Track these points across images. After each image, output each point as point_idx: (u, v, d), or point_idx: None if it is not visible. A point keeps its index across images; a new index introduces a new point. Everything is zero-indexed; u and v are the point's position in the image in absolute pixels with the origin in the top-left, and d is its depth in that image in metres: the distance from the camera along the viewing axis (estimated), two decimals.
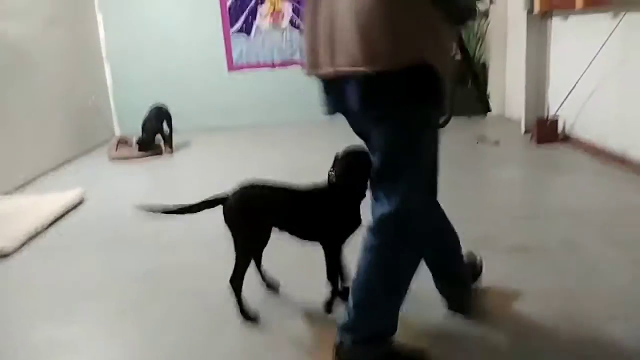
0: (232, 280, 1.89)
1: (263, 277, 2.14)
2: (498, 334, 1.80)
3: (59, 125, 4.80)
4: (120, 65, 5.80)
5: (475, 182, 3.51)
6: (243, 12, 5.73)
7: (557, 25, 4.31)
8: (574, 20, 4.04)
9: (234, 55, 5.83)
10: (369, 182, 1.64)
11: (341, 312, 1.68)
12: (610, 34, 3.40)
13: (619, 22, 3.34)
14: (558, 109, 4.15)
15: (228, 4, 5.70)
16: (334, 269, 1.95)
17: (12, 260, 2.72)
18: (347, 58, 1.42)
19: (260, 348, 1.81)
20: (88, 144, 5.24)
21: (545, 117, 4.31)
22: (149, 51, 5.73)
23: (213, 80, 5.83)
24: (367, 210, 1.65)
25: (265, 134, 5.53)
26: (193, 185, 3.81)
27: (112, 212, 3.36)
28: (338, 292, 1.98)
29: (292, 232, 1.94)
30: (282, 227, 1.92)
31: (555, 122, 4.21)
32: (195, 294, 2.21)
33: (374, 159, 1.57)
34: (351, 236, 1.88)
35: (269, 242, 1.91)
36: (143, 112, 4.87)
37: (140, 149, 4.80)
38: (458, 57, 1.65)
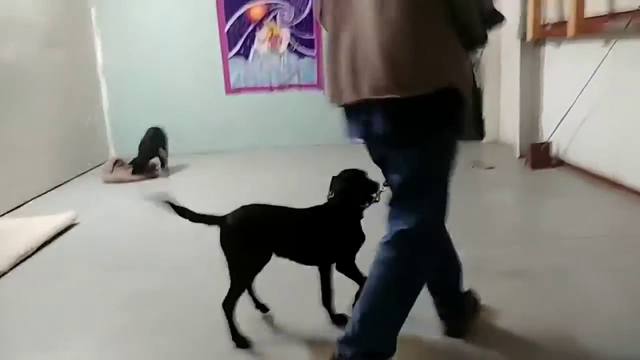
0: (225, 304, 1.85)
1: (254, 298, 2.10)
2: (490, 357, 1.78)
3: (55, 146, 4.78)
4: (117, 87, 5.81)
5: (471, 206, 3.51)
6: (242, 36, 5.80)
7: (550, 52, 4.39)
8: (566, 47, 4.12)
9: (232, 78, 5.88)
10: (367, 202, 1.66)
11: (333, 335, 1.66)
12: (602, 61, 3.46)
13: (609, 50, 3.40)
14: (552, 134, 4.20)
15: (226, 28, 5.78)
16: (329, 293, 1.95)
17: (2, 280, 2.68)
18: (373, 85, 1.47)
19: None
20: (83, 165, 5.21)
21: (539, 142, 4.34)
22: (147, 73, 5.75)
23: (210, 103, 5.85)
24: (369, 227, 1.64)
25: (262, 156, 5.53)
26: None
27: (104, 234, 3.33)
28: (333, 317, 1.97)
29: (292, 257, 1.92)
30: (281, 253, 1.90)
31: (548, 147, 4.25)
32: (185, 318, 2.18)
33: (396, 178, 1.59)
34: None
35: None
36: (139, 134, 4.86)
37: (134, 172, 4.71)
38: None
